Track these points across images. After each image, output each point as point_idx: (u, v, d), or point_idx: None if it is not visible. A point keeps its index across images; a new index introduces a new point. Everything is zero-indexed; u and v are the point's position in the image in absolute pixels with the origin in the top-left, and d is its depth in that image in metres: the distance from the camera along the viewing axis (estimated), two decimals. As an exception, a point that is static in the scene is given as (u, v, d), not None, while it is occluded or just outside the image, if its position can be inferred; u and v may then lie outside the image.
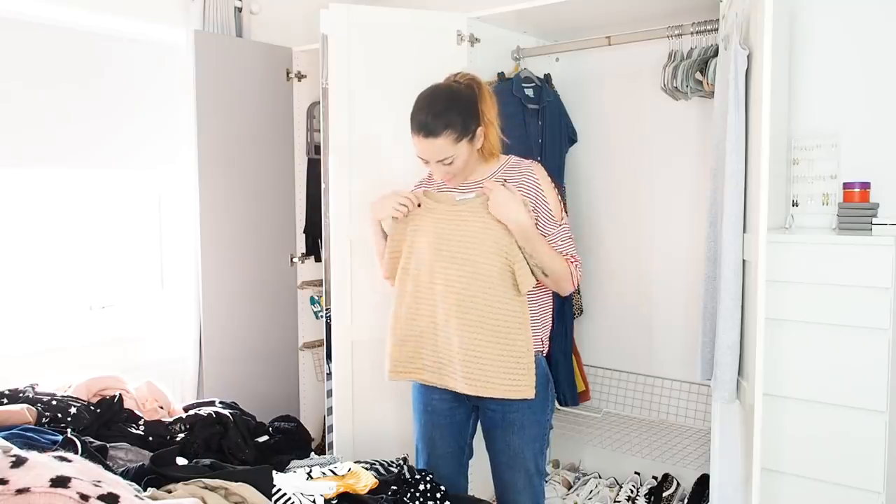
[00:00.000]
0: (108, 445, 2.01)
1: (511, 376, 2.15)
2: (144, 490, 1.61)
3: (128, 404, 2.44)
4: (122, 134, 3.21)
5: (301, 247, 3.69)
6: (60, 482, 1.10)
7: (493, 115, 2.22)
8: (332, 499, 1.89)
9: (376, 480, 2.04)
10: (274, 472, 1.80)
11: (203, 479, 1.64)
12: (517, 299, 2.17)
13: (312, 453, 2.64)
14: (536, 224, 2.18)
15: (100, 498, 1.12)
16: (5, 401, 2.25)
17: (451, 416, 2.34)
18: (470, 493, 2.53)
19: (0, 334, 2.93)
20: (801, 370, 2.26)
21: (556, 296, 3.22)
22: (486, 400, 2.23)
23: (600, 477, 3.36)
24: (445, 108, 2.14)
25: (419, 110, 2.16)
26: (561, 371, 3.22)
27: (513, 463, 2.25)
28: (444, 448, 2.36)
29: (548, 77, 3.25)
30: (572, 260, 2.21)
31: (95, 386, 2.49)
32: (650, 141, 3.20)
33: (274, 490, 1.73)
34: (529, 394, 2.16)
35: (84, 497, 1.10)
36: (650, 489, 3.15)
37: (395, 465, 2.22)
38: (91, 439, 2.01)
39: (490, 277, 2.14)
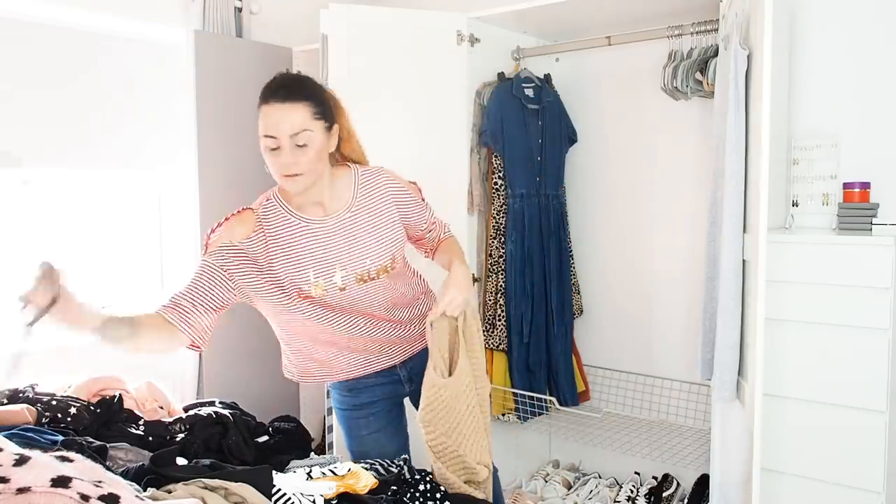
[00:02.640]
0: (107, 445, 2.01)
1: None
2: (144, 490, 1.61)
3: (128, 404, 2.44)
4: (121, 134, 3.21)
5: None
6: (61, 482, 1.10)
7: (349, 125, 2.03)
8: (332, 499, 1.89)
9: (376, 480, 2.03)
10: (274, 472, 1.79)
11: (203, 480, 1.64)
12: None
13: (312, 453, 2.64)
14: (410, 221, 2.10)
15: (100, 498, 1.12)
16: (5, 401, 2.25)
17: (395, 417, 2.30)
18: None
19: (0, 334, 2.92)
20: (801, 370, 2.26)
21: (552, 295, 3.22)
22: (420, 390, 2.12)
23: (600, 477, 3.36)
24: (305, 82, 1.91)
25: (274, 81, 1.88)
26: (561, 371, 3.22)
27: None
28: (392, 447, 2.29)
29: (548, 77, 3.25)
30: (448, 232, 2.22)
31: (95, 386, 2.50)
32: (650, 141, 3.20)
33: (274, 490, 1.73)
34: None
35: (85, 497, 1.10)
36: (650, 489, 3.15)
37: (395, 466, 2.22)
38: (91, 439, 2.01)
39: None
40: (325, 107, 1.90)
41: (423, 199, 2.19)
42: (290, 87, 1.84)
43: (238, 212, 2.02)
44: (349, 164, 2.08)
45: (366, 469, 2.08)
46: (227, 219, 2.01)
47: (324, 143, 1.89)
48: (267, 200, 2.02)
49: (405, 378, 2.23)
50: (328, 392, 3.08)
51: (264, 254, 1.97)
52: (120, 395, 2.42)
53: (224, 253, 1.97)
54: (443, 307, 1.94)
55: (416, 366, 2.19)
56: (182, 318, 1.92)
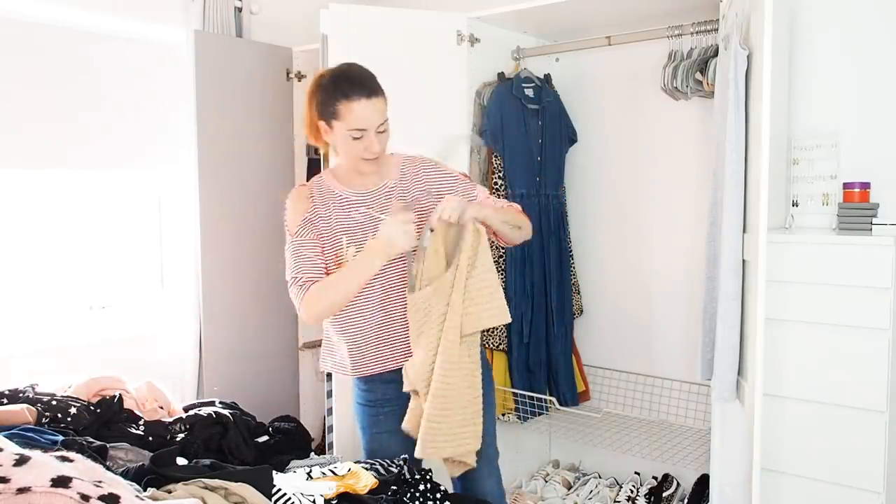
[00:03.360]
0: (107, 445, 2.01)
1: None
2: (144, 490, 1.61)
3: (128, 404, 2.44)
4: (121, 134, 3.21)
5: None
6: (61, 482, 1.10)
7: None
8: (332, 499, 1.89)
9: (376, 480, 2.03)
10: (274, 472, 1.80)
11: (203, 479, 1.64)
12: None
13: (312, 453, 2.64)
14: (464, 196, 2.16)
15: (100, 498, 1.12)
16: (5, 401, 2.25)
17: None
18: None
19: (0, 334, 2.92)
20: (801, 370, 2.26)
21: (552, 295, 3.21)
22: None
23: (600, 477, 3.36)
24: (374, 77, 2.10)
25: (345, 76, 2.06)
26: (561, 371, 3.22)
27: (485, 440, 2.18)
28: (401, 451, 2.25)
29: (548, 77, 3.25)
30: (511, 204, 2.23)
31: (95, 386, 2.50)
32: (650, 141, 3.20)
33: (274, 490, 1.73)
34: None
35: (85, 497, 1.10)
36: (650, 489, 3.15)
37: (395, 465, 2.22)
38: (91, 439, 2.02)
39: None
40: (383, 92, 2.09)
41: (472, 183, 2.25)
42: (368, 85, 2.04)
43: (294, 190, 2.28)
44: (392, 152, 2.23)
45: (366, 469, 2.09)
46: (288, 201, 2.23)
47: (390, 131, 2.10)
48: (317, 177, 2.25)
49: None
50: (329, 392, 3.09)
51: (318, 221, 2.15)
52: (120, 395, 2.41)
53: (304, 225, 2.17)
54: (438, 212, 2.01)
55: None
56: (319, 276, 2.15)
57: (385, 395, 2.21)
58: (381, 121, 2.04)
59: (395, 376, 2.16)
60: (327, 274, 2.14)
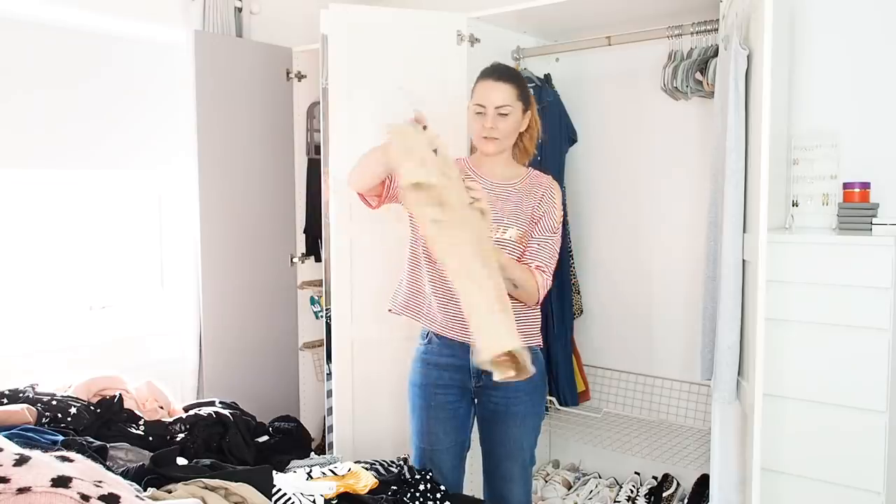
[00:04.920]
0: (108, 445, 2.01)
1: None
2: (144, 490, 1.61)
3: (128, 404, 2.44)
4: (122, 134, 3.21)
5: (301, 247, 3.69)
6: (62, 482, 1.10)
7: (535, 121, 2.35)
8: (332, 499, 1.90)
9: (376, 480, 2.04)
10: (274, 472, 1.80)
11: (203, 479, 1.64)
12: None
13: (312, 453, 2.64)
14: (534, 221, 2.25)
15: (101, 498, 1.12)
16: (5, 401, 2.25)
17: (455, 410, 2.34)
18: (465, 485, 2.52)
19: (0, 334, 2.93)
20: (801, 370, 2.26)
21: (552, 296, 3.22)
22: (488, 390, 2.26)
23: (600, 477, 3.36)
24: (517, 73, 2.34)
25: (489, 66, 2.31)
26: (561, 371, 3.22)
27: (512, 454, 2.30)
28: (447, 443, 2.35)
29: (548, 77, 3.25)
30: (541, 269, 2.21)
31: (95, 386, 2.50)
32: (650, 141, 3.20)
33: (274, 490, 1.73)
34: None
35: (85, 497, 1.10)
36: (650, 489, 3.15)
37: (395, 465, 2.22)
38: (91, 439, 2.02)
39: None
40: (525, 95, 2.28)
41: (557, 230, 2.29)
42: (502, 72, 2.26)
43: None
44: (529, 168, 2.39)
45: (366, 469, 2.09)
46: None
47: (518, 120, 2.26)
48: (457, 160, 2.33)
49: (474, 370, 2.27)
50: (328, 392, 3.09)
51: None
52: (120, 395, 2.42)
53: None
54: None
55: None
56: None
57: (439, 381, 2.32)
58: (502, 102, 2.20)
59: (452, 354, 2.28)
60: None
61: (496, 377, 1.95)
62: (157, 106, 3.32)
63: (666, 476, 3.18)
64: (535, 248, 2.24)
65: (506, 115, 2.21)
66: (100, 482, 1.17)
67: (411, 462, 2.39)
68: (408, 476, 2.11)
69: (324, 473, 2.03)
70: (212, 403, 2.66)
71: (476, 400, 2.33)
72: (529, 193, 2.29)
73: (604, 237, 3.36)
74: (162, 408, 2.56)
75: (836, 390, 2.21)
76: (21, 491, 1.06)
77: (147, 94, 3.28)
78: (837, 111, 2.59)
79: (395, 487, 2.07)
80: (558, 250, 2.29)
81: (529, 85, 3.11)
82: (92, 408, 2.32)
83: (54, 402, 2.25)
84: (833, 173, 2.57)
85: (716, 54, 2.67)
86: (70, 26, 3.01)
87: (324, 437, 3.45)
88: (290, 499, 1.74)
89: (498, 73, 2.26)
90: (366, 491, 1.98)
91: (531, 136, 2.37)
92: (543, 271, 2.21)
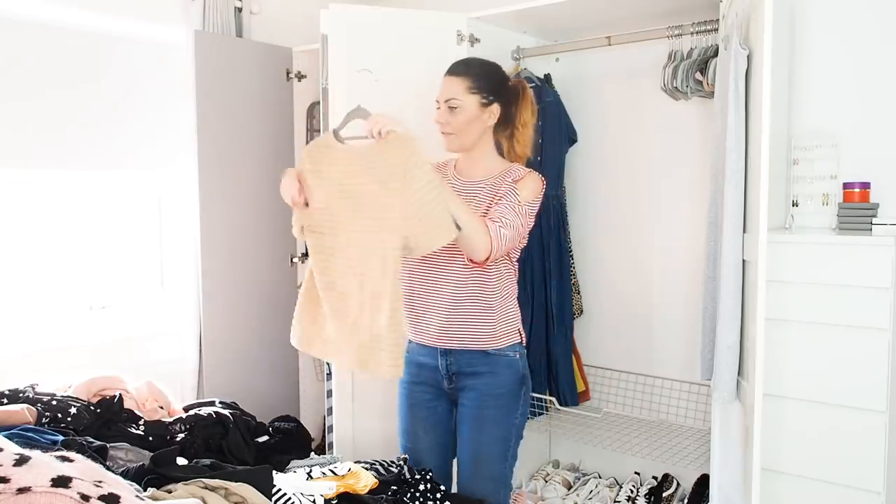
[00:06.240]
0: (108, 445, 2.01)
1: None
2: (144, 490, 1.61)
3: (128, 404, 2.44)
4: (122, 134, 3.21)
5: (301, 247, 3.69)
6: (62, 482, 1.10)
7: (527, 118, 2.29)
8: (332, 499, 1.90)
9: (376, 480, 2.04)
10: (274, 472, 1.80)
11: (203, 479, 1.64)
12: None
13: (312, 453, 2.64)
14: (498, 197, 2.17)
15: (100, 498, 1.12)
16: (5, 401, 2.25)
17: (433, 409, 2.35)
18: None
19: (0, 334, 2.92)
20: (801, 370, 2.26)
21: (552, 296, 3.20)
22: (460, 392, 2.28)
23: (600, 477, 3.36)
24: (479, 65, 2.27)
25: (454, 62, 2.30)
26: (561, 371, 3.22)
27: (480, 461, 2.25)
28: (426, 441, 2.37)
29: (548, 77, 3.25)
30: (494, 219, 2.09)
31: (95, 386, 2.50)
32: (650, 141, 3.20)
33: (274, 490, 1.73)
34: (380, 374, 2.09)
35: (85, 497, 1.10)
36: (650, 489, 3.15)
37: (395, 466, 2.22)
38: (91, 439, 2.01)
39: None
40: (484, 86, 2.21)
41: (521, 203, 2.16)
42: (456, 65, 2.27)
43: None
44: (516, 163, 2.31)
45: (366, 469, 2.09)
46: None
47: (473, 114, 2.21)
48: (447, 161, 2.41)
49: (444, 371, 2.29)
50: (328, 392, 3.09)
51: None
52: (120, 395, 2.42)
53: None
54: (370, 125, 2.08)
55: (455, 363, 2.27)
56: None
57: (417, 378, 2.35)
58: (449, 96, 2.20)
59: (427, 354, 2.31)
60: None
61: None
62: (156, 106, 3.32)
63: (666, 476, 3.18)
64: (496, 210, 2.13)
65: (454, 108, 2.20)
66: (100, 482, 1.17)
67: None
68: (408, 476, 2.11)
69: (324, 473, 2.03)
70: (212, 403, 2.66)
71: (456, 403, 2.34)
72: (495, 191, 2.21)
73: (604, 237, 3.36)
74: (162, 408, 2.56)
75: (836, 390, 2.21)
76: (21, 491, 1.06)
77: (147, 94, 3.28)
78: (837, 111, 2.59)
79: (394, 487, 2.07)
80: (523, 223, 2.15)
81: (530, 85, 3.12)
82: (92, 408, 2.32)
83: (54, 402, 2.25)
84: (833, 173, 2.57)
85: (716, 54, 2.67)
86: (69, 26, 3.01)
87: (324, 436, 3.45)
88: (289, 499, 1.74)
89: (452, 67, 2.26)
90: (366, 491, 1.98)
91: (524, 137, 2.30)
92: (495, 221, 2.08)
